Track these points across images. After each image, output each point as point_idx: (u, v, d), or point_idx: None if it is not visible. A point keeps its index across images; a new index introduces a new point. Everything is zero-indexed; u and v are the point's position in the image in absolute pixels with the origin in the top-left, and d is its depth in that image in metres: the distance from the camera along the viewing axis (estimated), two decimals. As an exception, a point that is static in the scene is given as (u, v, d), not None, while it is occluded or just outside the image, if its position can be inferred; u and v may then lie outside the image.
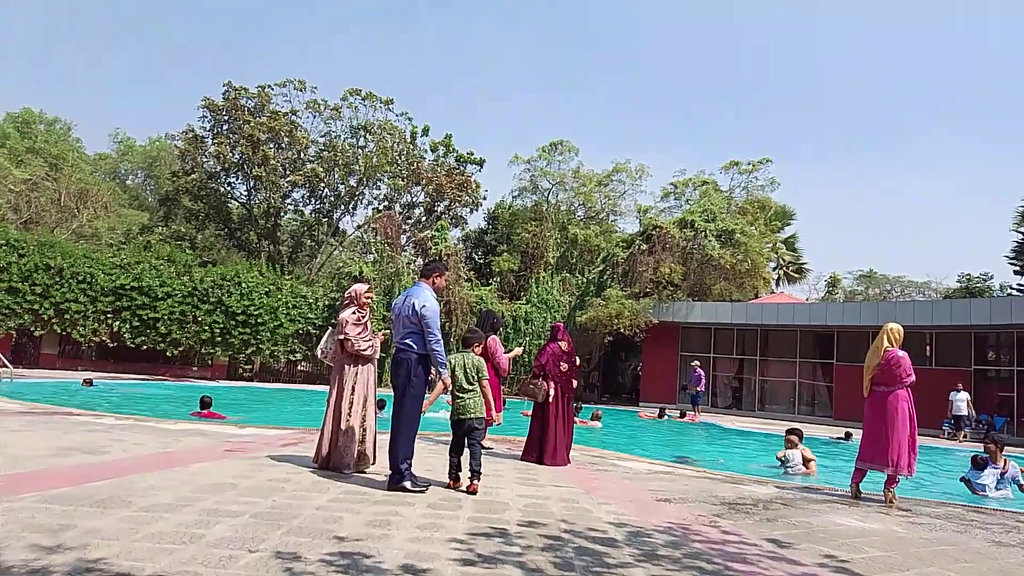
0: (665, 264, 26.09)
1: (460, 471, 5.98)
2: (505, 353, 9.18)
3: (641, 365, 28.95)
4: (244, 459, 6.73)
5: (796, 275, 38.73)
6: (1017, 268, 39.52)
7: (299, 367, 26.28)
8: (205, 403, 11.74)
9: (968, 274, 43.83)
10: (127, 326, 22.61)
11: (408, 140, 33.43)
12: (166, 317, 22.86)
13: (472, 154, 35.01)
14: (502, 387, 9.75)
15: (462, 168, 34.65)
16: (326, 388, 6.84)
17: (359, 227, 35.08)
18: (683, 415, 20.16)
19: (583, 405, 16.85)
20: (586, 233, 30.23)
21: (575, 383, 8.44)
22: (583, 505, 5.68)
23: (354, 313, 6.45)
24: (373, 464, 6.48)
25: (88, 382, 16.57)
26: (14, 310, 21.06)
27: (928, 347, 22.28)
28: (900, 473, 6.81)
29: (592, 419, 15.72)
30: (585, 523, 4.97)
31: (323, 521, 4.41)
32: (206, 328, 23.30)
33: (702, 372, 21.70)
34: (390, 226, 29.57)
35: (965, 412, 19.32)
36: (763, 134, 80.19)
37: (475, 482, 5.77)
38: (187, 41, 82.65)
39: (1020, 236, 38.48)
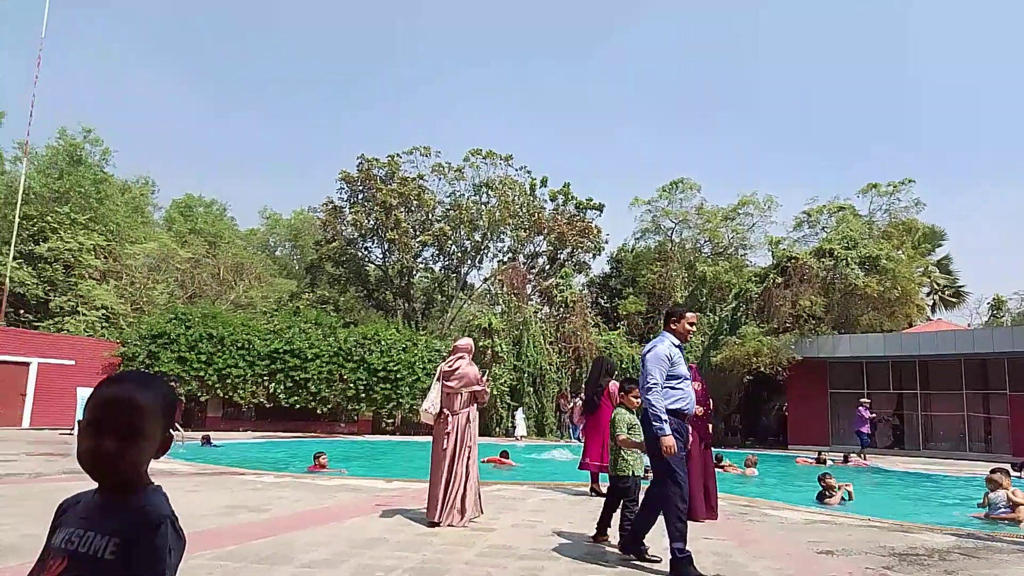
0: (804, 296, 24.77)
1: (609, 525, 5.87)
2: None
3: (787, 405, 27.38)
4: (393, 513, 6.97)
5: (954, 300, 35.63)
6: None
7: (437, 420, 26.95)
8: (316, 457, 12.32)
9: None
10: (281, 387, 24.17)
11: (528, 192, 34.22)
12: (315, 377, 24.25)
13: (591, 200, 35.26)
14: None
15: (582, 214, 34.94)
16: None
17: (486, 280, 36.00)
18: (847, 459, 18.43)
19: (722, 455, 16.01)
20: (715, 270, 29.38)
21: (711, 427, 8.04)
22: (736, 559, 5.41)
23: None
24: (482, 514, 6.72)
25: (206, 440, 17.20)
26: (183, 378, 23.10)
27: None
28: None
29: (747, 466, 14.93)
30: (739, 578, 4.73)
31: (472, 576, 4.47)
32: (351, 385, 24.49)
33: (864, 411, 20.11)
34: (515, 277, 30.12)
35: None
36: (901, 157, 75.18)
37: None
38: (318, 119, 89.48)
39: None
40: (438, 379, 6.68)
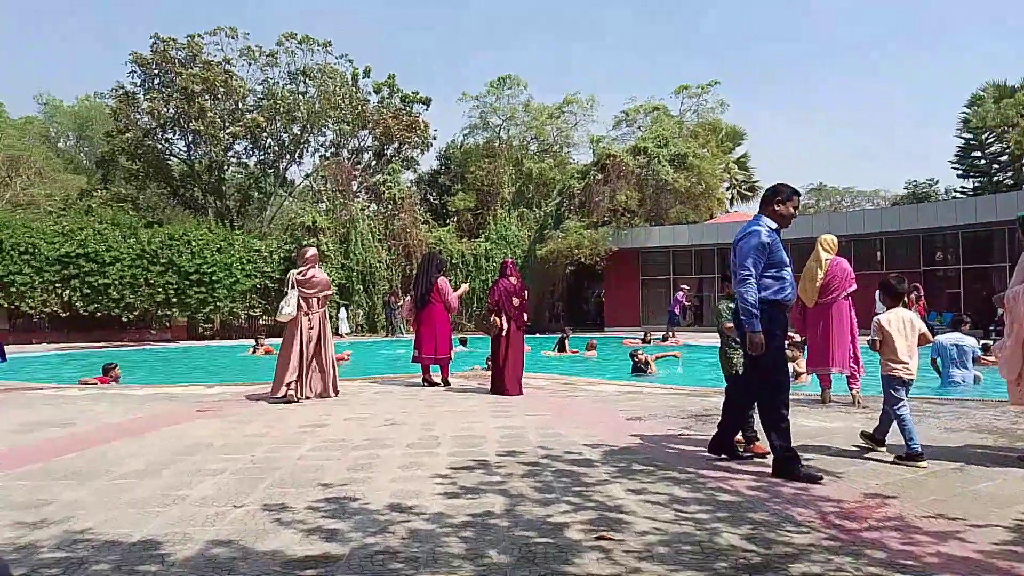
0: (621, 192, 26.18)
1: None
2: (454, 291, 9.38)
3: (604, 292, 29.36)
4: (217, 418, 6.71)
5: (749, 193, 39.32)
6: (960, 172, 40.77)
7: (261, 322, 25.78)
8: (106, 370, 11.18)
9: (914, 181, 45.14)
10: (77, 294, 21.94)
11: (350, 83, 32.38)
12: (116, 282, 22.21)
13: (417, 93, 34.16)
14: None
15: (408, 108, 33.82)
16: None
17: (308, 176, 34.23)
18: (666, 339, 20.47)
19: (569, 334, 17.11)
20: (540, 167, 30.01)
21: (526, 316, 8.97)
22: (557, 431, 5.83)
23: None
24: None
25: None
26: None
27: (879, 252, 23.04)
28: (846, 372, 7.13)
29: (588, 349, 15.86)
30: (561, 447, 5.11)
31: (305, 471, 4.45)
32: (159, 290, 22.77)
33: (681, 296, 21.98)
34: (340, 173, 28.92)
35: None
36: (710, 59, 79.71)
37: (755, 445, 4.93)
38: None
39: (963, 141, 39.55)
40: (292, 286, 7.80)
